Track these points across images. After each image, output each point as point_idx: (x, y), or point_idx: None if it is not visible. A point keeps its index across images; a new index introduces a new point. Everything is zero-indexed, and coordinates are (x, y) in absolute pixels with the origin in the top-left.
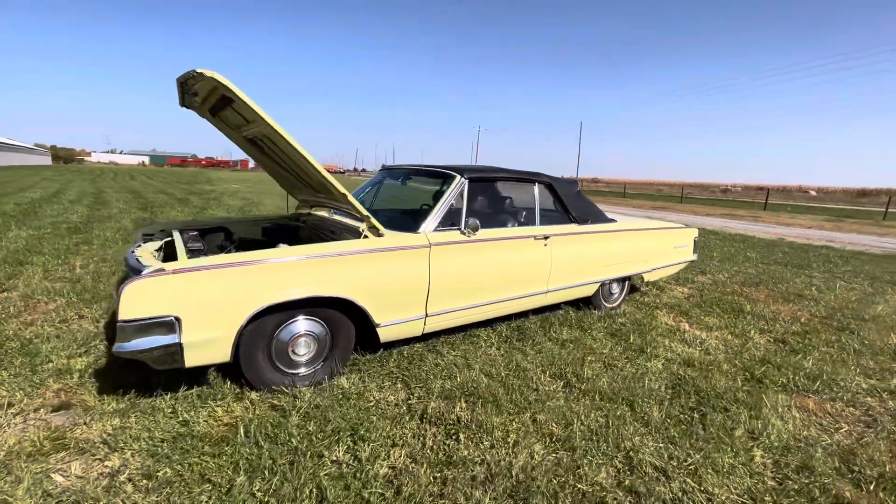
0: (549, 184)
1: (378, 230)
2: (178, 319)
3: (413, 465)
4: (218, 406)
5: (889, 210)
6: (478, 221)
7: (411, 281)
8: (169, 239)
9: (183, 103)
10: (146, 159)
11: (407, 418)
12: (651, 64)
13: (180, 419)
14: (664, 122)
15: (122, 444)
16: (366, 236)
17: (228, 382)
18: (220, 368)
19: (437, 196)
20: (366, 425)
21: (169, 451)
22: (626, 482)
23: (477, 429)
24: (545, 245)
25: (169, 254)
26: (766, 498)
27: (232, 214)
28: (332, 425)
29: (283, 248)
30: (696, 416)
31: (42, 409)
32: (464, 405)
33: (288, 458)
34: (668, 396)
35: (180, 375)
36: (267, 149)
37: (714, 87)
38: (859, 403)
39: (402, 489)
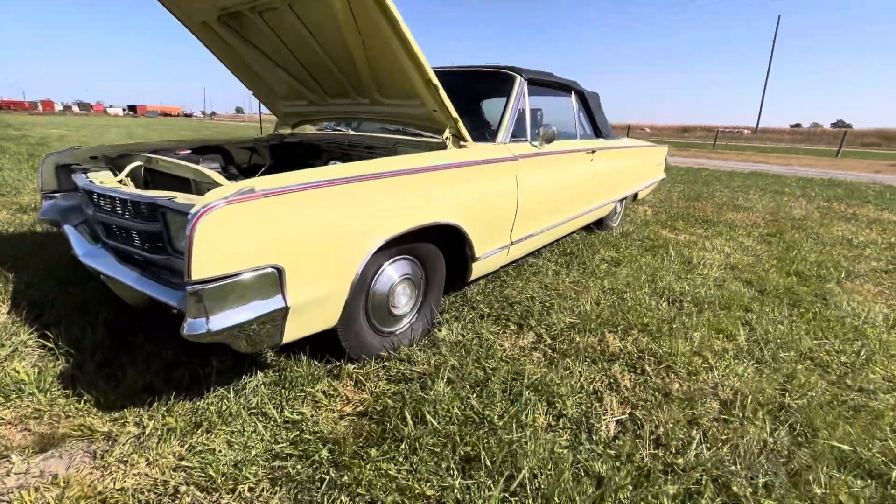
0: (582, 93)
1: (463, 139)
2: (280, 271)
3: (644, 412)
4: (319, 391)
5: (732, 143)
6: (554, 129)
7: (503, 201)
8: (138, 164)
9: None
10: None
11: (572, 361)
12: None
13: (281, 420)
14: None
15: (229, 473)
16: (445, 147)
17: (294, 359)
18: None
19: (498, 100)
20: (538, 378)
21: (300, 469)
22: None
23: (656, 357)
24: (591, 160)
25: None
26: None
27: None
28: (498, 386)
29: (376, 161)
30: (786, 299)
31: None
32: (608, 335)
33: (495, 445)
34: (756, 293)
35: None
36: (264, 30)
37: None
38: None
39: (662, 440)
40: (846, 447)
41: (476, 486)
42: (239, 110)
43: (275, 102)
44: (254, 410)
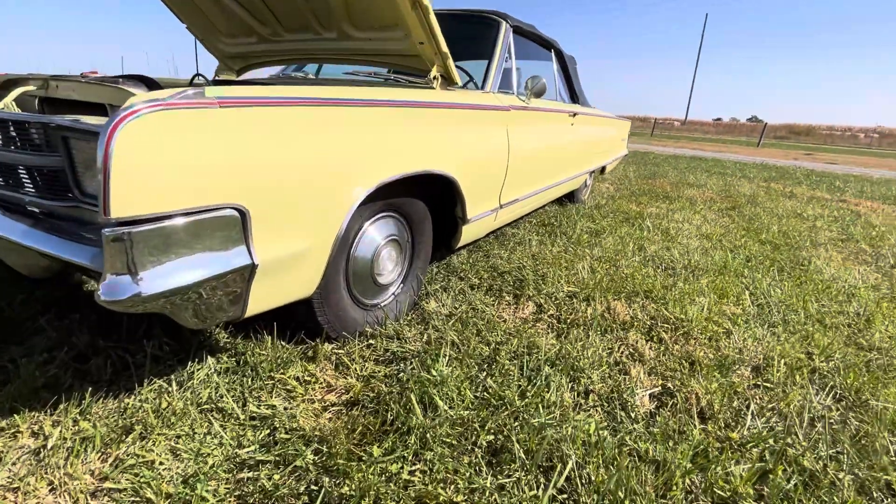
0: (562, 53)
1: (452, 80)
2: (243, 214)
3: (676, 382)
4: (292, 378)
5: (665, 133)
6: (543, 80)
7: (496, 157)
8: (28, 90)
9: None
10: None
11: (583, 332)
12: None
13: (245, 416)
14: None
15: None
16: (430, 87)
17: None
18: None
19: (480, 47)
20: (555, 351)
21: (277, 480)
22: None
23: (670, 324)
24: (572, 125)
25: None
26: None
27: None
28: (510, 362)
29: (360, 89)
30: (770, 265)
31: None
32: (613, 302)
33: (523, 431)
34: (743, 259)
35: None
36: None
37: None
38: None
39: (706, 413)
40: None
41: (513, 484)
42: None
43: (215, 40)
44: (206, 406)
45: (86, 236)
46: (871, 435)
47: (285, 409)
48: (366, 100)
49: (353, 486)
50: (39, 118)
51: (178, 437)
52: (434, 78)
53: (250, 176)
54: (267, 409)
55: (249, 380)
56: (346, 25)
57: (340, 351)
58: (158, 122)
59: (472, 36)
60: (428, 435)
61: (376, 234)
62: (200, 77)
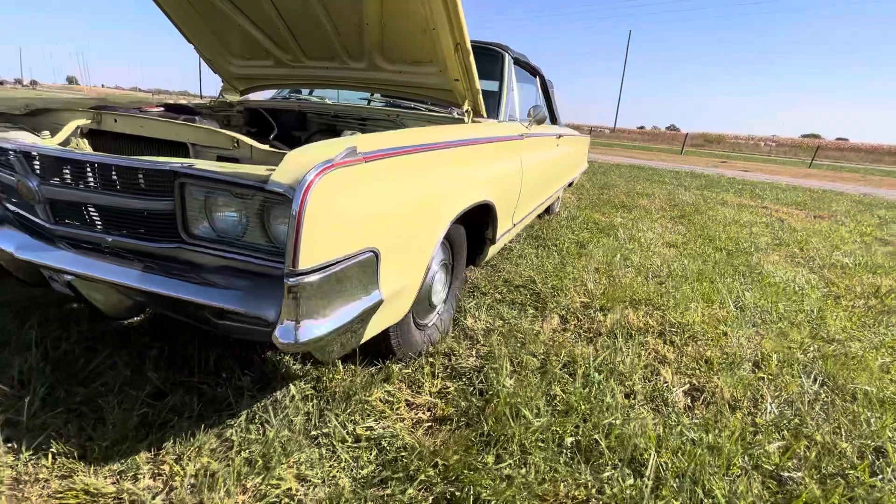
0: (544, 78)
1: (479, 114)
2: (377, 255)
3: (699, 380)
4: (376, 399)
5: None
6: (544, 110)
7: (515, 181)
8: (83, 123)
9: None
10: None
11: (611, 339)
12: None
13: (351, 439)
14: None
15: None
16: (462, 120)
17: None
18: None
19: (486, 78)
20: (602, 359)
21: (412, 493)
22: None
23: (676, 328)
24: (557, 146)
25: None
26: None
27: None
28: (560, 371)
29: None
30: (732, 271)
31: None
32: (624, 311)
33: (597, 431)
34: (710, 267)
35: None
36: None
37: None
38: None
39: (732, 404)
40: (870, 388)
41: (611, 477)
42: (71, 80)
43: (223, 61)
44: (312, 433)
45: (190, 277)
46: (854, 412)
47: (384, 428)
48: (458, 140)
49: (490, 492)
50: (158, 165)
51: (299, 463)
52: (466, 112)
53: (381, 219)
54: (365, 430)
55: (333, 404)
56: (378, 58)
57: (407, 371)
58: (333, 180)
59: (480, 66)
60: (524, 442)
61: (435, 260)
62: (223, 96)
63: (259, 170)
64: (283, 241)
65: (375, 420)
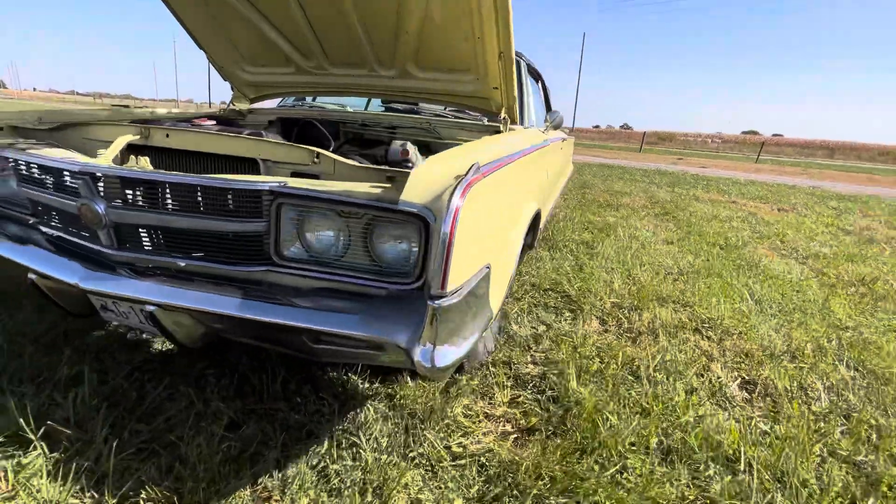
0: (543, 81)
1: (513, 120)
2: (489, 269)
3: (747, 373)
4: (458, 415)
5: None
6: (561, 115)
7: (545, 185)
8: (132, 139)
9: None
10: None
11: (654, 339)
12: None
13: (448, 456)
14: None
15: None
16: (499, 130)
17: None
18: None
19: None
20: (661, 359)
21: None
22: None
23: (708, 324)
24: (562, 148)
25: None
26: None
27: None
28: (621, 372)
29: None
30: (731, 265)
31: None
32: (655, 309)
33: (675, 429)
34: (713, 262)
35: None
36: None
37: None
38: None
39: (785, 395)
40: None
41: (715, 477)
42: None
43: (236, 68)
44: (410, 455)
45: (282, 300)
46: (893, 394)
47: (476, 444)
48: (530, 148)
49: (597, 499)
50: (252, 185)
51: (406, 486)
52: (503, 119)
53: (490, 233)
54: (458, 447)
55: (419, 422)
56: (410, 65)
57: (473, 382)
58: (471, 199)
59: None
60: (618, 447)
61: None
62: (231, 105)
63: (362, 187)
64: (388, 260)
65: (462, 435)
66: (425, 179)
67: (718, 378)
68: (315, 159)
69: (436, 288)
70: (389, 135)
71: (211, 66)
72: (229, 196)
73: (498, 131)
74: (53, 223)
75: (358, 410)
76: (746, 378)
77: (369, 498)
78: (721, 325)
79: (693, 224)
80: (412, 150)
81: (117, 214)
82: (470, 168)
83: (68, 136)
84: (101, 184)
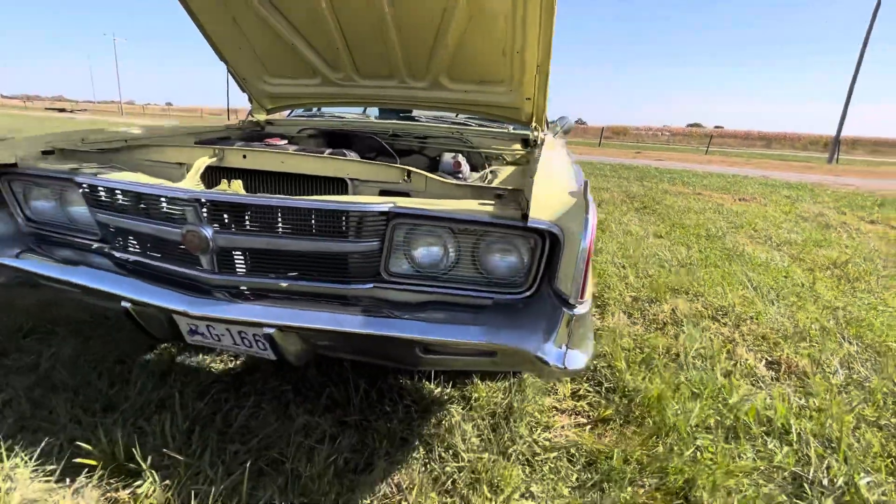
0: None
1: (542, 128)
2: None
3: (779, 353)
4: (536, 411)
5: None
6: (572, 121)
7: None
8: (209, 161)
9: None
10: None
11: (687, 328)
12: None
13: (542, 451)
14: None
15: None
16: (527, 138)
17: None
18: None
19: None
20: (694, 347)
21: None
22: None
23: (722, 312)
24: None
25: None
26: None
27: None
28: (673, 361)
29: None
30: (721, 254)
31: None
32: (671, 301)
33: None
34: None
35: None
36: None
37: None
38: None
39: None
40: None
41: (775, 449)
42: None
43: (257, 80)
44: (507, 452)
45: (393, 314)
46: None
47: (558, 437)
48: (569, 154)
49: (700, 479)
50: (372, 207)
51: (520, 482)
52: (536, 128)
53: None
54: (545, 441)
55: (502, 420)
56: (443, 77)
57: (532, 378)
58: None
59: None
60: (687, 430)
61: None
62: (250, 116)
63: (471, 204)
64: (499, 272)
65: (543, 430)
66: (545, 196)
67: (746, 360)
68: (405, 177)
69: (574, 297)
70: (421, 143)
71: (230, 77)
72: (343, 218)
73: (525, 139)
74: (133, 248)
75: (440, 414)
76: (769, 359)
77: (487, 494)
78: (734, 311)
79: (673, 217)
80: (463, 161)
81: (226, 239)
82: (585, 186)
83: (124, 157)
84: (205, 209)
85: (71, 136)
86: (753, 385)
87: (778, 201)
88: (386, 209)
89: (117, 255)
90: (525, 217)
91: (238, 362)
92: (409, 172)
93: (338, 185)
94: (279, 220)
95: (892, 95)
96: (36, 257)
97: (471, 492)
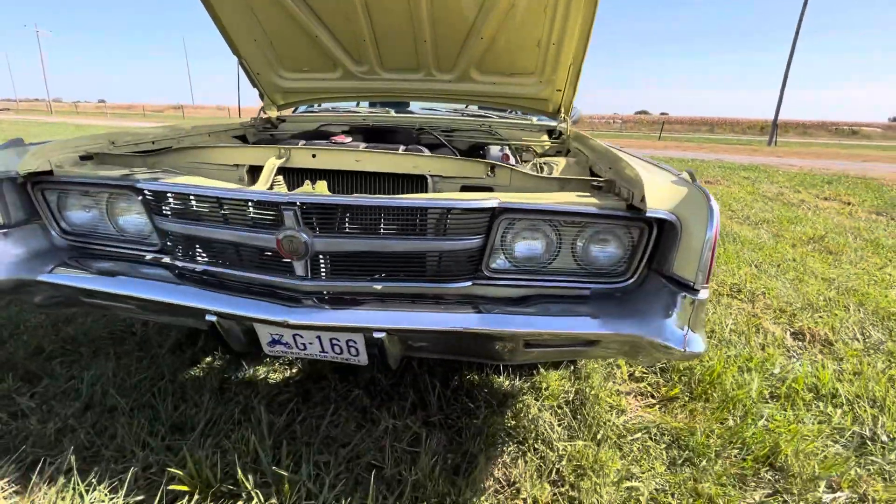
0: None
1: (565, 119)
2: None
3: (801, 324)
4: (604, 397)
5: None
6: (580, 109)
7: None
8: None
9: None
10: None
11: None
12: None
13: (625, 433)
14: None
15: None
16: (553, 129)
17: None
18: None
19: None
20: (724, 324)
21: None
22: None
23: (737, 289)
24: None
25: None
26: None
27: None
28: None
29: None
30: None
31: None
32: None
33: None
34: None
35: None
36: None
37: None
38: None
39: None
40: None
41: (828, 412)
42: None
43: (272, 74)
44: (594, 435)
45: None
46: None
47: (633, 420)
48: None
49: (780, 443)
50: (483, 202)
51: (620, 465)
52: (565, 119)
53: None
54: (622, 424)
55: (577, 408)
56: (472, 70)
57: (587, 364)
58: None
59: None
60: (747, 401)
61: None
62: (262, 113)
63: (568, 197)
64: (599, 262)
65: (617, 414)
66: (656, 186)
67: (773, 333)
68: (489, 172)
69: (700, 283)
70: (447, 137)
71: (242, 71)
72: (449, 215)
73: (550, 130)
74: (201, 258)
75: (516, 407)
76: (792, 330)
77: (596, 479)
78: (746, 288)
79: None
80: (511, 154)
81: (325, 243)
82: (692, 176)
83: (171, 160)
84: (301, 213)
85: (97, 139)
86: (786, 355)
87: (740, 182)
88: (494, 205)
89: (181, 265)
90: (634, 208)
91: (294, 370)
92: (492, 167)
93: (412, 182)
94: (382, 220)
95: (816, 80)
96: (82, 272)
97: (579, 479)
